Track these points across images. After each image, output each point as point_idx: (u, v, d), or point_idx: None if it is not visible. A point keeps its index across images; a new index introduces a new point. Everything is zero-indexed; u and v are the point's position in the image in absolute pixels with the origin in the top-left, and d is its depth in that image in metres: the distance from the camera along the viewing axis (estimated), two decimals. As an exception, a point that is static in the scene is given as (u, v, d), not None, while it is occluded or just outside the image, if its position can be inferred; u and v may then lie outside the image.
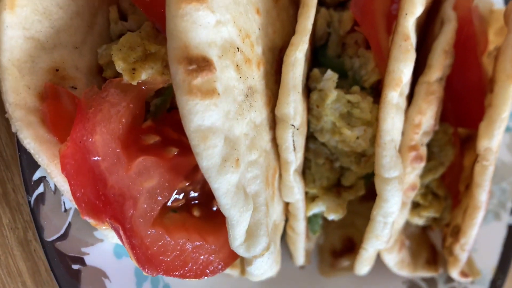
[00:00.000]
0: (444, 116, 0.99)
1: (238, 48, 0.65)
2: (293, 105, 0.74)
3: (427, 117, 0.88)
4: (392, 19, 0.86)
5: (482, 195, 0.90)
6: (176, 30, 0.56)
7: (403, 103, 0.82)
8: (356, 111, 0.82)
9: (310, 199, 0.93)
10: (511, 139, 1.24)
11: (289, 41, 0.76)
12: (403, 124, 0.83)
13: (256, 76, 0.72)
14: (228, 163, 0.61)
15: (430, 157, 0.99)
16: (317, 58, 0.92)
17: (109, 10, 0.78)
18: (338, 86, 0.85)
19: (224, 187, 0.61)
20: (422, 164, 0.91)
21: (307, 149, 0.90)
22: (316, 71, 0.85)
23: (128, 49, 0.69)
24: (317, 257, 1.13)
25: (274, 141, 0.79)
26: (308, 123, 0.87)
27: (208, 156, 0.59)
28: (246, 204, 0.65)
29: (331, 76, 0.82)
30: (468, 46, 0.94)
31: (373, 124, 0.83)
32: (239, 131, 0.65)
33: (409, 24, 0.76)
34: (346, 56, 0.89)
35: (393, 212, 0.81)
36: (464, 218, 0.96)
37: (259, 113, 0.73)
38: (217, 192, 0.62)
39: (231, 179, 0.62)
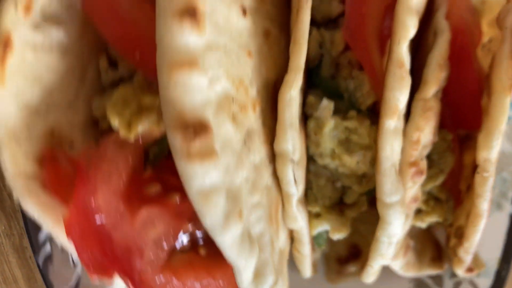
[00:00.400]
0: (442, 122, 0.99)
1: (233, 99, 0.65)
2: (291, 142, 0.74)
3: (425, 133, 0.87)
4: (385, 38, 0.85)
5: (484, 204, 0.91)
6: (170, 99, 0.56)
7: (400, 124, 0.82)
8: (354, 136, 0.82)
9: (314, 216, 0.94)
10: (511, 129, 1.24)
11: (282, 73, 0.76)
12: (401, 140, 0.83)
13: (252, 118, 0.71)
14: (232, 217, 0.62)
15: (430, 164, 0.99)
16: (311, 78, 0.92)
17: (99, 59, 0.77)
18: (335, 108, 0.84)
19: (229, 240, 0.62)
20: (423, 177, 0.91)
21: (307, 170, 0.90)
22: (311, 98, 0.84)
23: (122, 104, 0.69)
24: (323, 265, 1.15)
25: (275, 174, 0.79)
26: (307, 147, 0.87)
27: (211, 215, 0.59)
28: (251, 250, 0.66)
29: (327, 105, 0.81)
30: (463, 55, 0.92)
31: (372, 147, 0.83)
32: (240, 180, 0.66)
33: (403, 50, 0.75)
34: (341, 77, 0.88)
35: (397, 233, 0.82)
36: (467, 224, 0.97)
37: (258, 153, 0.73)
38: (222, 245, 0.63)
39: (236, 231, 0.63)
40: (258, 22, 0.74)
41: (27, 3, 0.64)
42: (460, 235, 1.03)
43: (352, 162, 0.82)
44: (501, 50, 0.87)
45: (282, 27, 0.83)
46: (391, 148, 0.77)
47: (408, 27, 0.76)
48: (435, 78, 0.87)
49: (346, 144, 0.83)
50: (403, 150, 0.87)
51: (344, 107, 0.87)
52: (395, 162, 0.80)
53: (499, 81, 0.85)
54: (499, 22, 0.93)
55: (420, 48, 0.98)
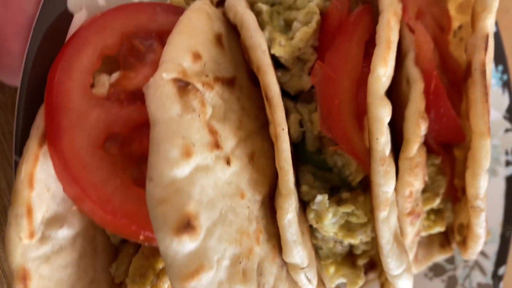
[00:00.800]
0: (427, 148, 1.02)
1: (239, 257, 0.69)
2: (298, 256, 0.79)
3: (415, 185, 0.92)
4: (361, 112, 0.86)
5: (481, 230, 0.97)
6: None
7: (393, 198, 0.86)
8: (353, 218, 0.87)
9: (329, 264, 1.02)
10: (496, 98, 1.28)
11: (274, 181, 0.80)
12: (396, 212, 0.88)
13: (258, 250, 0.76)
14: None
15: (424, 189, 1.04)
16: (297, 152, 0.94)
17: (104, 227, 0.81)
18: (328, 185, 0.89)
19: None
20: (420, 218, 0.97)
21: (314, 238, 0.96)
22: (305, 188, 0.88)
23: (140, 277, 0.73)
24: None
25: (288, 272, 0.85)
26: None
27: None
28: None
29: (321, 200, 0.85)
30: (438, 98, 0.94)
31: (371, 220, 0.88)
32: (262, 321, 0.72)
33: (382, 144, 0.78)
34: (327, 153, 0.91)
35: (408, 289, 0.90)
36: (468, 238, 1.03)
37: (271, 275, 0.79)
38: None
39: None
40: (242, 157, 0.76)
41: (30, 229, 0.67)
42: (463, 237, 1.10)
43: (355, 241, 0.88)
44: (474, 93, 0.89)
45: (263, 133, 0.84)
46: (389, 230, 0.82)
47: (383, 120, 0.78)
48: (416, 135, 0.89)
49: (347, 226, 0.88)
50: (398, 204, 0.92)
51: (335, 180, 0.91)
52: (397, 234, 0.85)
53: (477, 126, 0.88)
54: (468, 55, 0.94)
55: (396, 97, 0.99)
